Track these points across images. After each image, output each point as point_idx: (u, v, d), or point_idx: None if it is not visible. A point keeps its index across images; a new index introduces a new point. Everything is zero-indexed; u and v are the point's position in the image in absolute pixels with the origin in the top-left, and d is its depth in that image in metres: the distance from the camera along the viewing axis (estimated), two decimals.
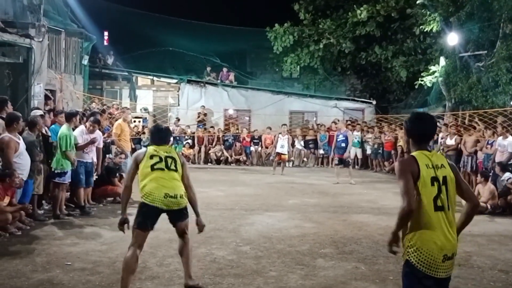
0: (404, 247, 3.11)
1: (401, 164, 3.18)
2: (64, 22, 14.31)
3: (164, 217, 7.96)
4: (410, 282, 3.08)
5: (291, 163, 16.94)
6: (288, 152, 15.17)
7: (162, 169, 4.43)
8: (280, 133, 15.15)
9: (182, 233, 4.60)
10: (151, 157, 4.48)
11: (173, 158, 4.52)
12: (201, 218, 4.65)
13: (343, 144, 12.82)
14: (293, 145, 18.21)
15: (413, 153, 3.17)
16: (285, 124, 16.14)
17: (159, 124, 4.82)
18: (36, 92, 10.70)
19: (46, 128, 8.20)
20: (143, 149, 4.81)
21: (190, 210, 4.62)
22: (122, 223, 4.51)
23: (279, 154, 14.80)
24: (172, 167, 4.46)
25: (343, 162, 13.19)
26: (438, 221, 3.10)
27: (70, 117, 8.12)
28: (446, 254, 3.04)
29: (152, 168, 4.43)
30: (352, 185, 12.52)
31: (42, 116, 8.10)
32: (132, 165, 4.62)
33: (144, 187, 4.38)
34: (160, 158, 4.47)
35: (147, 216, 4.39)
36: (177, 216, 4.50)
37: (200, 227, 4.65)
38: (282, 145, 14.72)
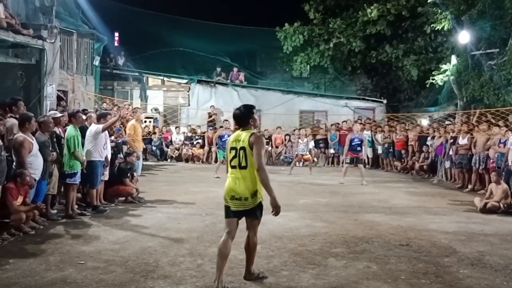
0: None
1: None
2: (76, 23, 14.42)
3: (172, 216, 8.05)
4: None
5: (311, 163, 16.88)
6: (310, 152, 15.26)
7: (235, 167, 4.66)
8: (299, 137, 15.24)
9: (249, 228, 4.78)
10: (230, 150, 4.72)
11: (244, 149, 4.60)
12: (275, 200, 4.60)
13: (359, 148, 12.94)
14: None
15: None
16: (303, 128, 16.24)
17: (241, 105, 4.92)
18: (49, 93, 10.79)
19: (60, 129, 8.27)
20: (230, 136, 4.97)
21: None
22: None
23: (301, 155, 14.88)
24: (243, 163, 4.60)
25: (356, 161, 13.06)
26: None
27: (70, 117, 8.19)
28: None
29: (230, 164, 4.71)
30: (363, 185, 12.47)
31: (54, 118, 8.18)
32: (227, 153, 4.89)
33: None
34: (236, 152, 4.65)
35: (227, 209, 4.73)
36: (247, 213, 4.68)
37: (273, 208, 4.60)
38: (303, 149, 14.90)
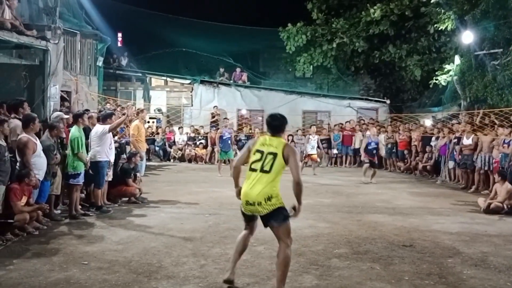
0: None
1: None
2: (79, 24, 14.43)
3: (175, 216, 8.06)
4: None
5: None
6: (317, 152, 15.27)
7: (255, 170, 4.52)
8: (310, 134, 15.21)
9: (278, 239, 4.58)
10: (255, 152, 4.59)
11: (274, 155, 4.48)
12: (300, 207, 4.53)
13: (374, 151, 13.17)
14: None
15: None
16: (314, 124, 16.21)
17: (275, 113, 4.81)
18: (52, 94, 10.80)
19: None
20: (256, 138, 4.89)
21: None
22: (238, 194, 4.77)
23: (309, 155, 14.79)
24: (267, 167, 4.46)
25: (371, 164, 13.24)
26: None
27: (77, 118, 8.21)
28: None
29: (250, 167, 4.58)
30: (367, 185, 12.48)
31: (62, 119, 8.22)
32: (245, 151, 4.80)
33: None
34: (262, 155, 4.52)
35: (243, 213, 4.72)
36: (265, 220, 4.54)
37: (295, 213, 4.55)
38: (313, 146, 14.82)
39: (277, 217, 4.47)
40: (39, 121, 7.49)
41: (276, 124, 4.70)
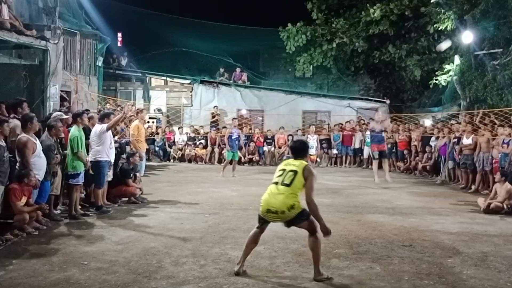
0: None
1: None
2: (79, 24, 14.43)
3: (175, 216, 8.05)
4: None
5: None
6: (316, 152, 15.21)
7: (276, 183, 5.02)
8: (309, 134, 15.20)
9: (309, 233, 5.08)
10: (279, 170, 5.13)
11: (295, 172, 4.95)
12: (325, 226, 5.02)
13: (383, 134, 12.71)
14: None
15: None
16: (313, 124, 16.17)
17: (298, 139, 5.57)
18: (52, 94, 10.82)
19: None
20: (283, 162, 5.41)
21: None
22: None
23: (309, 155, 14.73)
24: (287, 181, 4.94)
25: (380, 155, 12.80)
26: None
27: (76, 117, 8.21)
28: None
29: (273, 181, 5.08)
30: (367, 185, 12.47)
31: (61, 119, 8.22)
32: None
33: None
34: (283, 172, 5.04)
35: (260, 217, 5.17)
36: (289, 224, 5.07)
37: (324, 235, 5.04)
38: (312, 146, 14.76)
39: (300, 219, 4.98)
40: (39, 121, 7.49)
41: (299, 149, 5.29)
